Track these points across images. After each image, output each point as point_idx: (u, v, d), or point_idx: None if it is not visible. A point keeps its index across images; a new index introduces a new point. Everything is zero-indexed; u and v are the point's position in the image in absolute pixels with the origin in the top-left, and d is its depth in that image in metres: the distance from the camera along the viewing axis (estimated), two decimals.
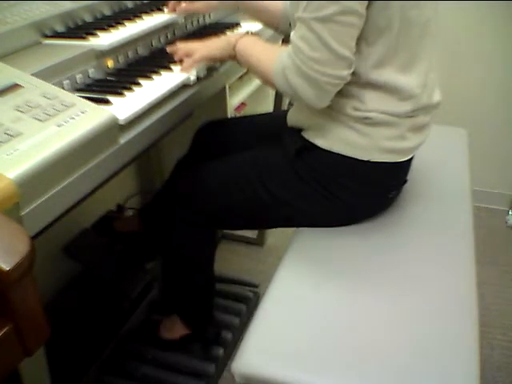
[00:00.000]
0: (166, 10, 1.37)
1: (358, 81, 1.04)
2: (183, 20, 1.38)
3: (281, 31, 1.40)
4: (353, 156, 1.09)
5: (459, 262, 1.11)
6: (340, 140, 1.09)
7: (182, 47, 1.21)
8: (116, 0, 1.39)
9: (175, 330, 1.50)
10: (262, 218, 1.24)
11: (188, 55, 1.18)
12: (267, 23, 1.41)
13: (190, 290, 1.40)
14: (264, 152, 1.22)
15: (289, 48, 1.02)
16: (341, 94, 1.05)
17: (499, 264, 2.12)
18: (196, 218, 1.25)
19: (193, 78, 1.15)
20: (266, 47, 1.15)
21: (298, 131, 1.17)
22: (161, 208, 1.35)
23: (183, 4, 1.35)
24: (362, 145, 1.08)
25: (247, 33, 1.21)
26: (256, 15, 1.41)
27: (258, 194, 1.17)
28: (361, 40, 1.00)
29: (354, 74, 1.02)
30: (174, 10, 1.35)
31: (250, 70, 1.20)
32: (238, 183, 1.19)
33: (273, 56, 1.07)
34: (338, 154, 1.09)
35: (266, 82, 1.12)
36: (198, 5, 1.36)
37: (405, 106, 1.07)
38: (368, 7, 0.97)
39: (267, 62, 1.08)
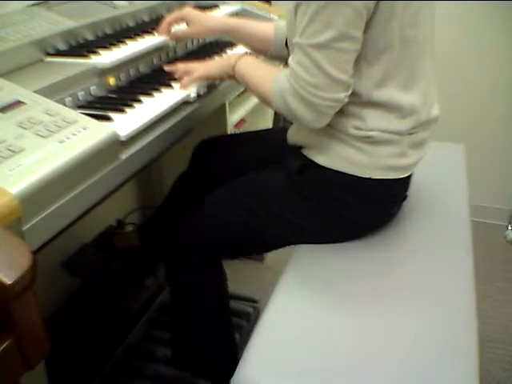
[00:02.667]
0: (156, 33, 1.34)
1: (359, 100, 1.05)
2: (174, 43, 1.38)
3: (271, 56, 1.38)
4: (354, 174, 1.09)
5: (458, 276, 1.11)
6: (341, 158, 1.10)
7: (181, 67, 1.23)
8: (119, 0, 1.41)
9: None
10: (265, 240, 1.22)
11: (187, 74, 1.20)
12: (257, 49, 1.39)
13: (206, 340, 1.31)
14: (262, 174, 1.22)
15: (287, 71, 1.03)
16: (342, 113, 1.06)
17: (498, 278, 2.12)
18: (198, 254, 1.23)
19: (193, 95, 1.17)
20: (264, 68, 1.17)
21: (298, 149, 1.18)
22: (165, 251, 1.30)
23: (173, 30, 1.34)
24: (363, 163, 1.09)
25: (246, 53, 1.23)
26: (246, 41, 1.39)
27: (259, 219, 1.17)
28: (361, 60, 1.02)
29: (355, 93, 1.04)
30: (165, 33, 1.33)
31: (248, 90, 1.21)
32: (237, 211, 1.19)
33: (271, 77, 1.09)
34: (339, 172, 1.10)
35: (264, 102, 1.14)
36: (188, 31, 1.35)
37: (405, 124, 1.08)
38: (366, 30, 0.98)
39: (266, 83, 1.10)
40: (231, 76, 1.19)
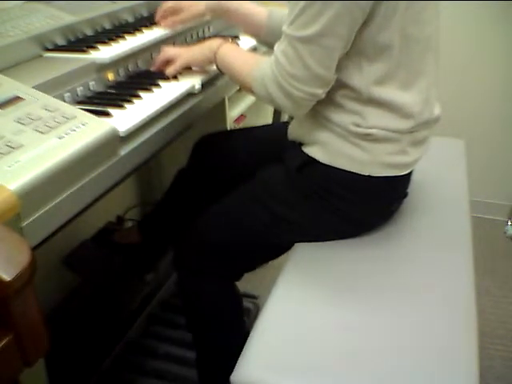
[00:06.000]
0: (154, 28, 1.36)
1: (359, 97, 1.05)
2: (173, 35, 1.39)
3: (264, 42, 1.40)
4: (354, 171, 1.09)
5: (458, 272, 1.11)
6: (341, 155, 1.09)
7: (161, 57, 1.23)
8: None
9: None
10: (271, 245, 1.22)
11: (170, 61, 1.21)
12: (250, 32, 1.41)
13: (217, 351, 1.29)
14: (262, 174, 1.22)
15: (271, 58, 1.04)
16: (342, 109, 1.06)
17: (498, 274, 2.12)
18: (209, 267, 1.22)
19: (197, 86, 1.17)
20: (245, 54, 1.20)
21: (298, 145, 1.17)
22: (176, 265, 1.28)
23: (169, 18, 1.36)
24: (363, 160, 1.08)
25: (228, 40, 1.23)
26: (240, 23, 1.40)
27: (260, 220, 1.17)
28: (361, 57, 1.01)
29: (355, 90, 1.04)
30: (162, 20, 1.37)
31: (228, 75, 1.22)
32: (242, 220, 1.19)
33: (253, 62, 1.10)
34: (339, 169, 1.10)
35: (245, 87, 1.15)
36: (182, 16, 1.37)
37: (406, 123, 1.07)
38: (366, 26, 0.97)
39: (247, 68, 1.11)
40: (212, 62, 1.20)
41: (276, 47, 1.03)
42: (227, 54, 1.18)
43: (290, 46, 0.98)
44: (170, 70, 1.20)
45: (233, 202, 1.23)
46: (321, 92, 1.02)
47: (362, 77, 1.03)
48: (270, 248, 1.24)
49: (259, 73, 1.07)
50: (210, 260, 1.22)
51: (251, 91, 1.11)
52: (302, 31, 0.96)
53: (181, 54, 1.22)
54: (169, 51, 1.25)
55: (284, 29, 1.00)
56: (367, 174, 1.09)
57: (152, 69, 1.26)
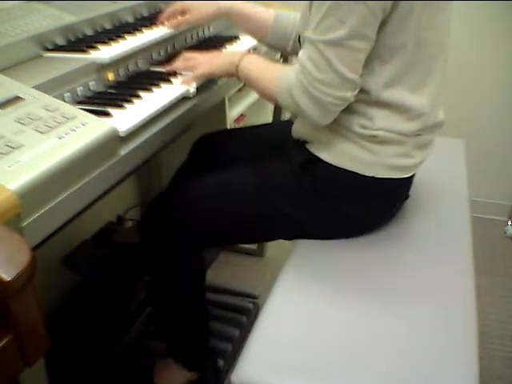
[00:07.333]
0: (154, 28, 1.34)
1: (367, 99, 1.05)
2: (174, 35, 1.37)
3: (267, 44, 1.39)
4: (357, 171, 1.09)
5: (458, 272, 1.11)
6: (345, 155, 1.09)
7: (181, 65, 1.22)
8: None
9: (173, 376, 1.39)
10: (263, 230, 1.23)
11: (190, 69, 1.20)
12: (254, 34, 1.40)
13: (181, 317, 1.31)
14: (266, 163, 1.22)
15: (296, 66, 1.03)
16: (349, 110, 1.06)
17: (498, 274, 2.12)
18: (193, 233, 1.21)
19: (192, 90, 1.16)
20: (268, 65, 1.16)
21: (302, 143, 1.17)
22: (154, 220, 1.28)
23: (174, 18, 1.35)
24: (367, 161, 1.08)
25: (249, 51, 1.22)
26: (244, 25, 1.39)
27: (258, 206, 1.17)
28: (374, 58, 1.01)
29: (364, 91, 1.03)
30: (163, 23, 1.35)
31: (251, 88, 1.20)
32: (238, 195, 1.19)
33: (276, 73, 1.08)
34: (343, 169, 1.10)
35: (269, 98, 1.13)
36: (188, 17, 1.35)
37: (412, 125, 1.07)
38: (382, 27, 0.97)
39: (270, 80, 1.09)
40: (233, 75, 1.18)
41: (300, 55, 1.02)
42: (248, 67, 1.15)
43: (317, 51, 0.97)
44: (186, 79, 1.17)
45: (232, 184, 1.21)
46: (350, 95, 1.01)
47: (373, 78, 1.03)
48: (263, 237, 1.28)
49: (284, 83, 1.05)
50: (201, 235, 1.21)
51: (276, 102, 1.10)
52: (329, 35, 0.95)
53: (200, 64, 1.19)
54: (190, 60, 1.21)
55: (308, 35, 0.99)
56: (372, 175, 1.09)
57: (165, 70, 1.23)
